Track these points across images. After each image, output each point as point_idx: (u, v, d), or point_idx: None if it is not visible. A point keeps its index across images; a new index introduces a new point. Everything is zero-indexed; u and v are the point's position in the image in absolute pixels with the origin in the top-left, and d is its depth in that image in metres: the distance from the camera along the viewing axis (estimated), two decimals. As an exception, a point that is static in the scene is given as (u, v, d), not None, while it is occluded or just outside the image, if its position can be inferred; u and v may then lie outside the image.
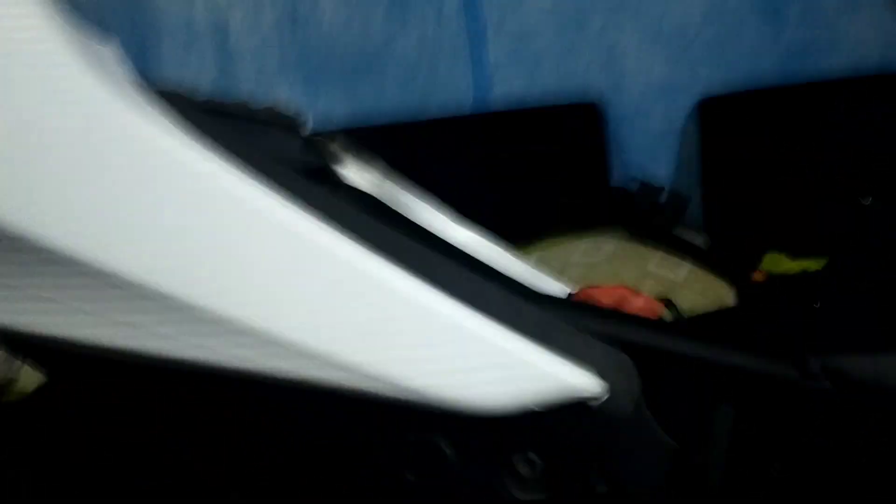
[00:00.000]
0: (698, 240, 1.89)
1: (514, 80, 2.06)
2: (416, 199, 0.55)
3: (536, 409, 0.32)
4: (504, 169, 2.03)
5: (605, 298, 0.36)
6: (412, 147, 2.06)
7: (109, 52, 0.35)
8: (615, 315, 0.35)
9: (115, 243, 0.30)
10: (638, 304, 0.39)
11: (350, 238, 0.32)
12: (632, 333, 0.34)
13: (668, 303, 0.36)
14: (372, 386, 0.31)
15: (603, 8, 1.97)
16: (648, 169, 2.02)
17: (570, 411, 0.32)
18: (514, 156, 2.03)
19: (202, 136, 0.33)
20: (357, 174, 0.56)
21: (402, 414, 0.32)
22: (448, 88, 2.11)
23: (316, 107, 2.19)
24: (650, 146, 2.04)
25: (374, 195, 0.50)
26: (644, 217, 1.88)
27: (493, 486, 0.33)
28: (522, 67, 2.05)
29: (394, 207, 0.48)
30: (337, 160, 0.56)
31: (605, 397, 0.33)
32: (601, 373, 0.33)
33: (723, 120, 1.94)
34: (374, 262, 0.32)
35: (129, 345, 0.32)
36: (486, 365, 0.32)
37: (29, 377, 1.86)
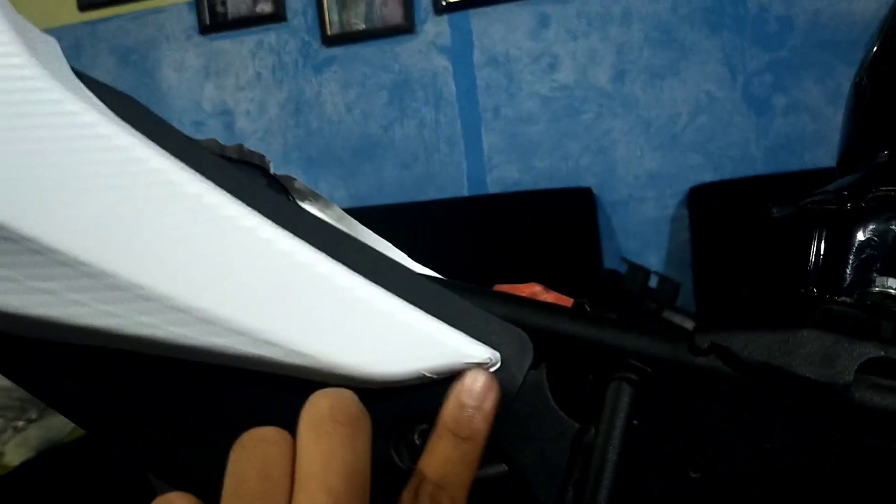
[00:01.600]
0: (688, 324, 1.89)
1: (509, 165, 2.11)
2: (374, 237, 0.57)
3: (430, 377, 0.33)
4: (498, 250, 2.06)
5: (518, 294, 0.38)
6: (409, 227, 2.10)
7: (52, 43, 0.38)
8: (516, 299, 0.37)
9: (36, 211, 0.33)
10: (549, 299, 0.40)
11: (258, 212, 0.34)
12: (529, 315, 0.36)
13: (581, 304, 0.37)
14: (269, 352, 0.33)
15: (595, 97, 2.04)
16: (641, 254, 2.04)
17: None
18: (508, 237, 2.06)
19: (134, 125, 0.36)
20: (319, 210, 0.59)
21: (302, 387, 0.34)
22: (445, 172, 2.16)
23: (317, 188, 2.25)
24: (642, 232, 2.07)
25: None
26: (635, 301, 1.89)
27: (386, 458, 0.34)
28: (518, 152, 2.10)
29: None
30: (301, 197, 0.59)
31: (496, 367, 0.34)
32: (494, 345, 0.34)
33: (713, 207, 1.97)
34: (276, 232, 0.34)
35: (43, 313, 0.33)
36: (378, 332, 0.33)
37: (15, 452, 1.85)
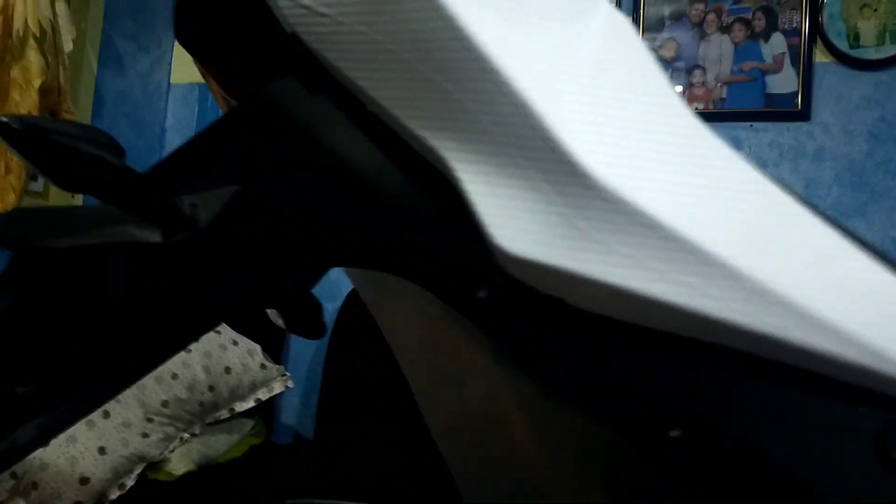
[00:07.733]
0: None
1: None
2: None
3: None
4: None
5: None
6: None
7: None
8: None
9: (695, 216, 0.40)
10: None
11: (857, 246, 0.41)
12: None
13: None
14: (873, 362, 0.38)
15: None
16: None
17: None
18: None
19: None
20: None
21: (870, 394, 0.38)
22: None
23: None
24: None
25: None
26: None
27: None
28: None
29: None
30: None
31: None
32: None
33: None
34: (878, 267, 0.40)
35: (678, 301, 0.40)
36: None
37: (179, 461, 1.91)
